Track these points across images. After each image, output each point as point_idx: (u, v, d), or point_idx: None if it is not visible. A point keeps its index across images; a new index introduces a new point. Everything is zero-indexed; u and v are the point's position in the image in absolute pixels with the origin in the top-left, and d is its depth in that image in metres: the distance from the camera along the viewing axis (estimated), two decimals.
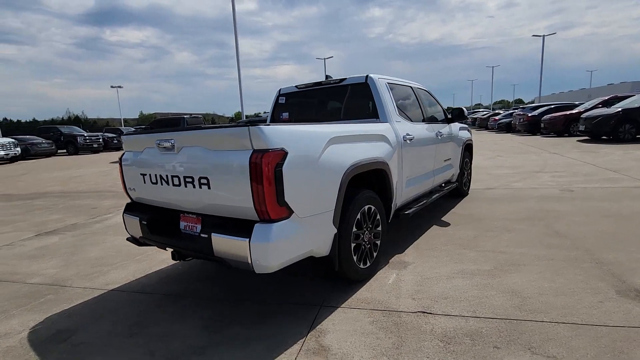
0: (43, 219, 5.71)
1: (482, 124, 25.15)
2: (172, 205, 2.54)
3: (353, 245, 2.66)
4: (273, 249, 2.02)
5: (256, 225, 2.01)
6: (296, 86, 4.00)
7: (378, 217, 2.98)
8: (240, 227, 2.06)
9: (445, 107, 5.01)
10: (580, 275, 2.72)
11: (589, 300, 2.35)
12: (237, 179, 2.03)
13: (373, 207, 2.90)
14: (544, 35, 35.21)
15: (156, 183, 2.54)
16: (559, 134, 14.78)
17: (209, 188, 2.19)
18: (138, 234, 2.73)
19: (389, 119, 3.36)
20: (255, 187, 1.97)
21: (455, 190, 5.37)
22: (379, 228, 3.01)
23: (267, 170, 1.94)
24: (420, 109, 4.14)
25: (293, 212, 2.10)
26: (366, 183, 3.04)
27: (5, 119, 60.26)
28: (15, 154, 17.26)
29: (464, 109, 4.74)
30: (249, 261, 2.01)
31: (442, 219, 4.43)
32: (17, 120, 60.39)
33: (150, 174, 2.56)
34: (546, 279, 2.69)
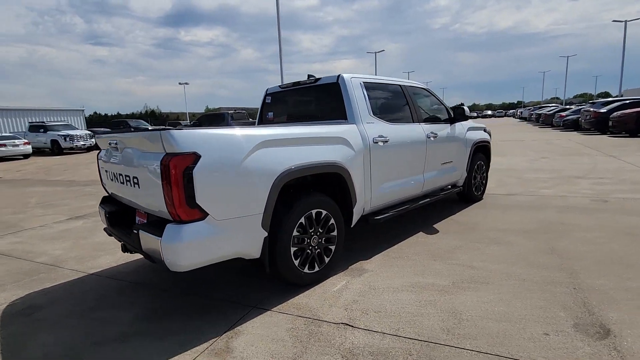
0: (82, 204, 6.45)
1: (547, 121, 22.74)
2: (125, 201, 2.74)
3: (294, 249, 2.64)
4: (183, 249, 2.09)
5: (167, 225, 2.10)
6: (279, 86, 4.02)
7: (332, 221, 2.91)
8: (160, 226, 2.16)
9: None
10: (543, 300, 2.40)
11: (533, 331, 2.07)
12: (153, 180, 2.14)
13: (325, 212, 2.84)
14: (625, 21, 30.69)
15: (112, 180, 2.76)
16: (631, 133, 12.82)
17: (139, 187, 2.33)
18: (104, 224, 2.99)
19: (357, 120, 3.24)
20: (166, 189, 2.05)
21: (463, 195, 5.01)
22: (334, 233, 2.94)
23: (174, 173, 2.02)
24: (409, 109, 3.91)
25: (208, 214, 2.15)
26: (320, 186, 2.99)
27: (95, 112, 68.64)
28: (90, 144, 19.58)
29: (465, 108, 4.38)
30: (162, 258, 2.10)
31: (434, 225, 4.16)
32: (105, 114, 68.39)
33: (108, 171, 2.79)
34: (502, 301, 2.43)
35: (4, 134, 19.21)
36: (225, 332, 2.24)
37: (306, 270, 2.75)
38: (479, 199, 5.19)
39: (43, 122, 21.61)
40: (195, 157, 2.08)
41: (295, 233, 2.63)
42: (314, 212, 2.76)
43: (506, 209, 4.67)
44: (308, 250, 2.76)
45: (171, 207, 2.06)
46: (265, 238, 2.44)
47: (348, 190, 3.01)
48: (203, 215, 2.14)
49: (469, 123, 4.92)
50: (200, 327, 2.31)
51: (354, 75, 3.43)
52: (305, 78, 3.69)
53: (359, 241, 3.75)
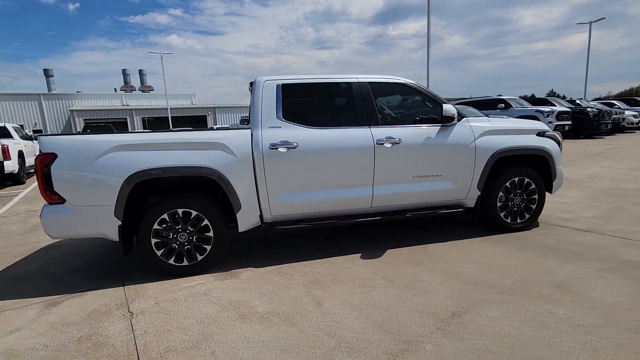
0: None
1: None
2: None
3: (155, 240, 2.99)
4: (48, 223, 2.85)
5: (43, 205, 2.91)
6: (250, 82, 4.13)
7: (206, 222, 3.06)
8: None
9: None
10: None
11: None
12: None
13: (195, 212, 3.03)
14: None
15: None
16: None
17: None
18: None
19: (256, 125, 3.16)
20: (37, 179, 2.85)
21: (483, 220, 3.81)
22: (209, 234, 3.08)
23: (39, 167, 2.78)
24: (353, 111, 3.37)
25: (65, 200, 2.83)
26: (200, 188, 3.16)
27: None
28: None
29: (448, 107, 3.33)
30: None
31: (391, 250, 3.45)
32: None
33: None
34: None
35: (222, 125, 26.18)
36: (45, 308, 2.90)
37: (172, 262, 3.05)
38: (514, 228, 3.78)
39: (247, 116, 28.07)
40: (53, 157, 2.77)
41: (156, 226, 2.97)
42: (180, 211, 3.00)
43: (532, 250, 3.27)
44: (174, 245, 3.04)
45: (41, 192, 2.85)
46: (119, 226, 2.91)
47: (230, 194, 3.06)
48: (62, 200, 2.83)
49: (487, 124, 3.64)
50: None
51: (271, 78, 3.31)
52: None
53: (288, 249, 3.61)
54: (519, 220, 3.82)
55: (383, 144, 3.31)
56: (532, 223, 3.87)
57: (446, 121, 3.39)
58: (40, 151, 2.80)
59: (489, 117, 4.63)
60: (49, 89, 35.55)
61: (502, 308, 2.33)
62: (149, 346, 2.11)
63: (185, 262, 3.08)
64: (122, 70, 40.70)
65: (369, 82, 3.47)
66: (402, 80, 3.59)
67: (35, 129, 31.30)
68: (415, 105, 3.76)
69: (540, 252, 3.20)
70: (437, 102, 3.55)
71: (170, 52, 46.99)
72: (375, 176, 3.36)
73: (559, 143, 3.88)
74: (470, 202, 3.70)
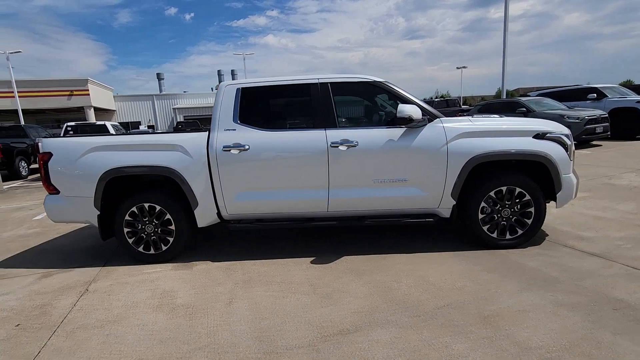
0: None
1: None
2: None
3: (127, 229, 3.43)
4: (48, 209, 3.49)
5: (46, 195, 3.55)
6: (216, 86, 4.30)
7: (169, 216, 3.39)
8: None
9: None
10: None
11: None
12: None
13: (159, 207, 3.37)
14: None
15: None
16: None
17: None
18: None
19: (214, 128, 3.35)
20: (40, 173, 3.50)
21: (469, 234, 3.42)
22: (172, 227, 3.41)
23: (40, 164, 3.41)
24: (310, 113, 3.31)
25: (59, 191, 3.42)
26: (165, 186, 3.48)
27: None
28: None
29: (405, 108, 3.02)
30: None
31: (346, 257, 3.33)
32: None
33: None
34: None
35: None
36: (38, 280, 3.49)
37: (141, 249, 3.46)
38: (502, 245, 3.28)
39: None
40: (50, 155, 3.37)
41: (127, 218, 3.40)
42: (146, 205, 3.38)
43: (499, 271, 2.84)
44: (143, 235, 3.44)
45: (42, 184, 3.49)
46: (98, 215, 3.41)
47: (186, 191, 3.33)
48: (57, 191, 3.43)
49: (464, 125, 3.20)
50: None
51: (233, 82, 3.44)
52: None
53: (254, 247, 3.76)
54: (508, 236, 3.30)
55: (338, 146, 3.20)
56: (526, 240, 3.31)
57: (402, 122, 3.10)
58: (40, 151, 3.44)
59: (531, 112, 4.03)
60: (160, 90, 41.42)
61: (396, 333, 2.11)
62: (72, 321, 2.49)
63: (152, 251, 3.46)
64: (217, 71, 45.43)
65: (330, 83, 3.36)
66: (368, 78, 3.39)
67: (149, 124, 36.79)
68: (386, 105, 3.51)
69: (506, 275, 2.75)
70: (407, 102, 3.27)
71: (251, 53, 50.84)
72: (331, 180, 3.27)
73: (565, 147, 3.22)
74: (445, 212, 3.33)
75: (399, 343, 2.03)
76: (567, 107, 10.29)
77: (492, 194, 3.24)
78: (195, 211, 3.37)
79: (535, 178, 3.28)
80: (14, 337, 2.33)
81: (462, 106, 21.12)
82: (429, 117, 3.25)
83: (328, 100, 3.32)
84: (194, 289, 2.87)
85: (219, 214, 3.43)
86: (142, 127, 34.25)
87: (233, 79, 45.16)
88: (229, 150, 3.25)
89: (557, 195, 3.25)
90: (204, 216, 3.41)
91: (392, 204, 3.33)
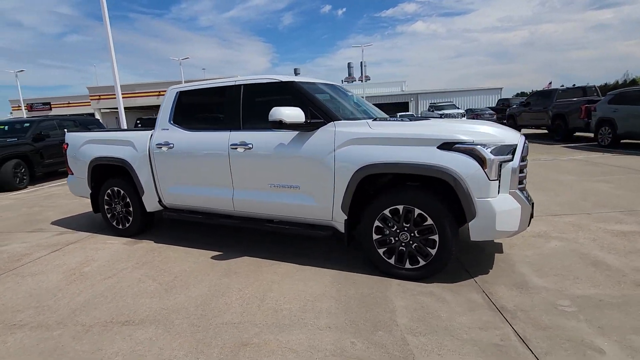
0: None
1: None
2: None
3: (106, 207, 4.32)
4: (70, 186, 4.68)
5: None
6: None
7: (128, 200, 4.11)
8: None
9: None
10: None
11: None
12: None
13: (123, 191, 4.13)
14: None
15: None
16: None
17: None
18: None
19: (156, 127, 3.85)
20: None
21: (369, 256, 3.05)
22: (130, 208, 4.12)
23: (64, 151, 4.59)
24: (224, 115, 3.45)
25: (73, 173, 4.55)
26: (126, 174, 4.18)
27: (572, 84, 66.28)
28: None
29: (272, 111, 2.79)
30: None
31: (242, 259, 3.38)
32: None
33: None
34: None
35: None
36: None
37: (114, 223, 4.30)
38: (403, 275, 2.76)
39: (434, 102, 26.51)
40: (67, 145, 4.52)
41: (105, 197, 4.29)
42: (115, 189, 4.18)
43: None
44: (115, 212, 4.27)
45: (66, 167, 4.68)
46: (90, 193, 4.40)
47: (134, 179, 3.97)
48: (72, 172, 4.57)
49: (356, 130, 2.76)
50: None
51: (178, 86, 3.85)
52: None
53: (194, 236, 4.15)
54: (408, 265, 2.76)
55: (236, 148, 3.26)
56: (431, 274, 2.69)
57: (274, 126, 2.89)
58: (64, 141, 4.62)
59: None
60: None
61: (34, 336, 2.20)
62: (20, 269, 3.40)
63: (121, 227, 4.26)
64: (348, 63, 46.94)
65: (243, 85, 3.42)
66: (276, 79, 3.28)
67: None
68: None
69: (347, 309, 2.37)
70: (303, 104, 3.05)
71: (369, 44, 50.52)
72: (234, 180, 3.37)
73: (482, 162, 2.44)
74: (341, 227, 3.00)
75: (22, 343, 2.11)
76: None
77: (387, 212, 2.75)
78: (142, 197, 3.98)
79: (452, 199, 2.62)
80: None
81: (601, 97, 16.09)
82: (322, 121, 2.96)
83: (237, 102, 3.39)
84: (108, 261, 3.47)
85: (160, 202, 3.95)
86: None
87: (362, 71, 45.89)
88: (160, 147, 3.71)
89: (469, 224, 2.52)
90: (150, 203, 3.99)
91: (287, 211, 3.19)
